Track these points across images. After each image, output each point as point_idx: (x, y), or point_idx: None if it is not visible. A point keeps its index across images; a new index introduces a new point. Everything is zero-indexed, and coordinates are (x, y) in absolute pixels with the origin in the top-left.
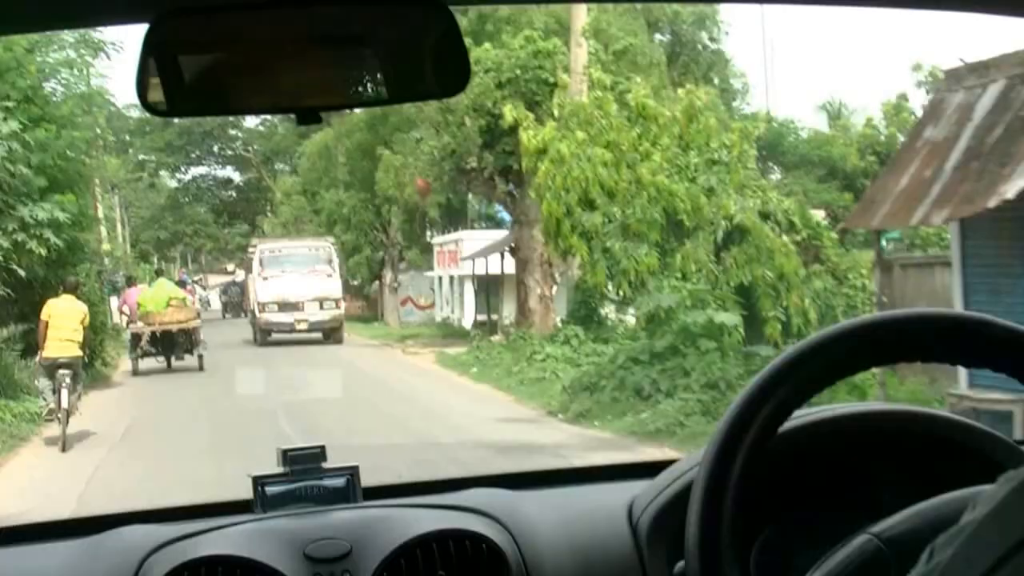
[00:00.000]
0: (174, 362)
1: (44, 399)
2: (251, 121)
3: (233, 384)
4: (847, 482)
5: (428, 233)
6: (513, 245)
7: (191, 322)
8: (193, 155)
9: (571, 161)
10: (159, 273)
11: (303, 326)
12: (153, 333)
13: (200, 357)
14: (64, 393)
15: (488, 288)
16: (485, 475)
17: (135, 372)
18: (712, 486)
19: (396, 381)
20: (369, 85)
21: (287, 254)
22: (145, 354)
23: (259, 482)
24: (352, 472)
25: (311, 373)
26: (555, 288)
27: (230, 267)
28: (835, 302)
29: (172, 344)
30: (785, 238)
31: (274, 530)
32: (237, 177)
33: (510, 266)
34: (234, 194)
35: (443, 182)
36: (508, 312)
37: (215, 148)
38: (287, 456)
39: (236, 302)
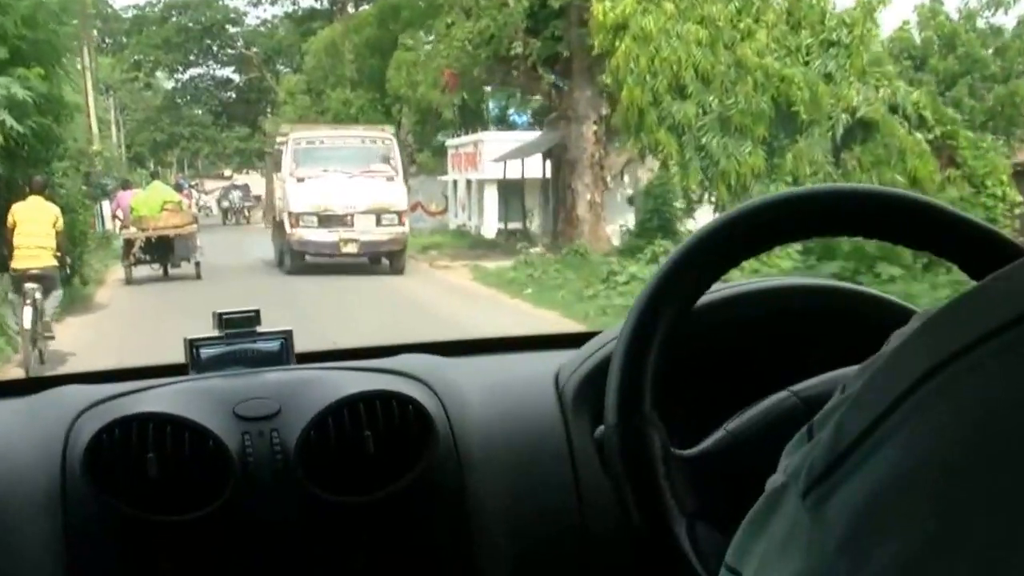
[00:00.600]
0: (170, 270)
1: (16, 319)
2: (252, 19)
3: (238, 299)
4: (767, 353)
5: (441, 135)
6: (552, 145)
7: (187, 227)
8: (192, 54)
9: (659, 39)
10: (155, 176)
11: (351, 248)
12: (148, 239)
13: (197, 264)
14: (28, 312)
15: (517, 194)
16: (416, 342)
17: (128, 280)
18: (631, 352)
19: (438, 305)
20: None
21: (332, 146)
22: (138, 261)
23: (193, 344)
24: (286, 336)
25: (337, 294)
26: (604, 194)
27: (227, 172)
28: (972, 214)
29: (167, 250)
30: (918, 136)
31: (205, 390)
32: (237, 78)
33: (536, 169)
34: (233, 95)
35: (473, 75)
36: (541, 220)
37: (214, 47)
38: (222, 319)
39: (237, 208)
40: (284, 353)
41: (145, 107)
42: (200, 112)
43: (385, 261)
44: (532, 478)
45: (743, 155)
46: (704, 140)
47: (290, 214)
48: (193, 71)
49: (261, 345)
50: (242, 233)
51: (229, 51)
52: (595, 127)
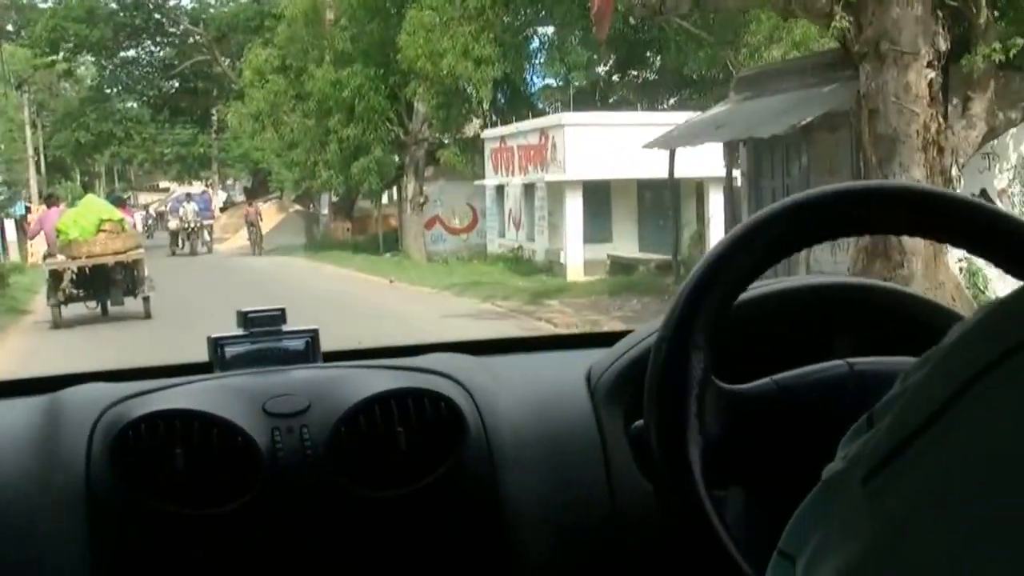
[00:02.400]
0: (111, 307)
1: None
2: None
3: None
4: (809, 350)
5: (476, 123)
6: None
7: (132, 252)
8: (124, 31)
9: None
10: (87, 188)
11: None
12: (81, 269)
13: (146, 300)
14: None
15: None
16: (444, 342)
17: (56, 324)
18: (673, 346)
19: None
20: None
21: None
22: (70, 299)
23: (218, 343)
24: (312, 335)
25: None
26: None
27: (164, 183)
28: None
29: (107, 283)
30: None
31: (233, 387)
32: (180, 62)
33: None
34: (176, 84)
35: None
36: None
37: (151, 24)
38: (247, 318)
39: (193, 227)
40: (310, 351)
41: (65, 104)
42: (135, 105)
43: None
44: (564, 473)
45: None
46: None
47: None
48: (125, 54)
49: (287, 343)
50: (217, 274)
51: (171, 29)
52: (930, 73)
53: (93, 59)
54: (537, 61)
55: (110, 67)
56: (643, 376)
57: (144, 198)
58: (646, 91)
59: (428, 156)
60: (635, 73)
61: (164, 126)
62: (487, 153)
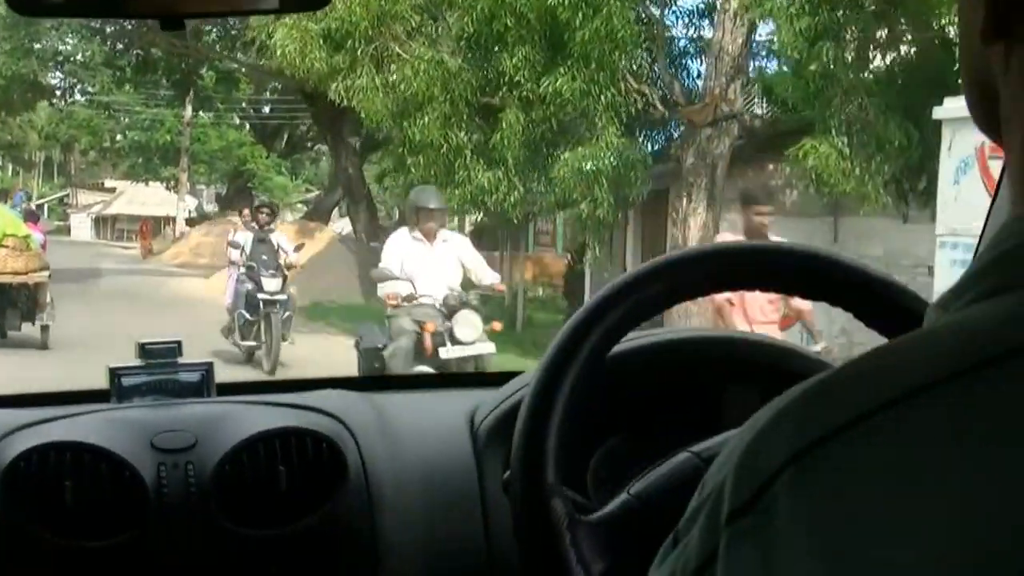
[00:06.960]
0: (8, 332)
1: None
2: None
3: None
4: (688, 403)
5: None
6: None
7: (35, 274)
8: None
9: None
10: None
11: None
12: None
13: (44, 328)
14: None
15: None
16: (337, 377)
17: None
18: (540, 398)
19: None
20: None
21: None
22: None
23: (116, 373)
24: (207, 368)
25: None
26: None
27: (110, 182)
28: None
29: (3, 305)
30: None
31: (125, 419)
32: None
33: None
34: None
35: None
36: None
37: None
38: (144, 349)
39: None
40: (205, 384)
41: None
42: (76, 42)
43: None
44: (442, 516)
45: None
46: None
47: None
48: None
49: (182, 376)
50: None
51: None
52: None
53: None
54: None
55: None
56: None
57: (85, 198)
58: None
59: (739, 152)
60: None
61: (124, 80)
62: (956, 155)
